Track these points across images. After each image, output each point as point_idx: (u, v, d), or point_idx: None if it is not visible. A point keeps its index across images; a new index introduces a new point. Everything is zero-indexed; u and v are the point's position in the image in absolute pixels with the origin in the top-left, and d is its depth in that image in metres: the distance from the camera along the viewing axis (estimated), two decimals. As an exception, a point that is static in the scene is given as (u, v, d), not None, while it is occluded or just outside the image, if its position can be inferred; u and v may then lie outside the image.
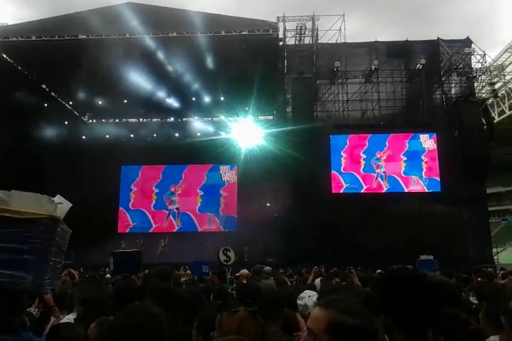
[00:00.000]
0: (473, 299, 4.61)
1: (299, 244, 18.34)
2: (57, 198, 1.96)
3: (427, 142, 21.37)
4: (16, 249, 1.66)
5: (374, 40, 22.24)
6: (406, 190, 21.15)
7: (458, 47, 21.64)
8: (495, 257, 22.57)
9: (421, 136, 21.49)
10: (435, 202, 20.62)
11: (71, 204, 2.00)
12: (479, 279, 7.17)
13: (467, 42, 21.70)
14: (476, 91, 22.44)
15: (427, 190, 21.03)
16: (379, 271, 9.54)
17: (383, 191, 21.22)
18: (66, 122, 25.86)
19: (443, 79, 22.48)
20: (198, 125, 28.09)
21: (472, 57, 21.70)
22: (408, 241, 18.30)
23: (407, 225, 19.44)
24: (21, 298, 1.87)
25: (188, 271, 10.23)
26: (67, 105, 26.40)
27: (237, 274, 8.22)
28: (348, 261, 11.34)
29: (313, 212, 19.30)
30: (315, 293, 4.41)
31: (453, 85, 22.78)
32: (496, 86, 24.44)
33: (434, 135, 21.37)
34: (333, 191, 20.93)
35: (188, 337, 2.55)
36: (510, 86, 35.46)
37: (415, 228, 19.73)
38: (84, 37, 20.48)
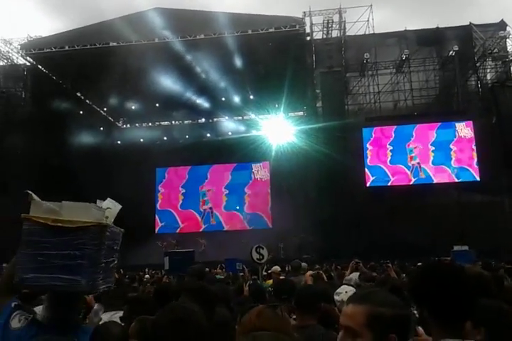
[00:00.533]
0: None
1: (333, 240, 18.27)
2: (108, 201, 2.12)
3: (463, 130, 20.85)
4: (70, 256, 1.82)
5: (403, 29, 21.85)
6: (442, 181, 20.68)
7: (492, 31, 21.07)
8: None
9: (457, 124, 20.99)
10: (474, 191, 20.07)
11: (120, 206, 2.15)
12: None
13: (502, 25, 21.05)
14: (513, 75, 21.66)
15: (463, 180, 20.49)
16: (419, 264, 9.43)
17: (416, 182, 20.84)
18: (101, 128, 26.53)
19: (477, 64, 21.86)
20: (229, 124, 28.29)
21: (508, 40, 21.04)
22: (447, 233, 17.88)
23: (446, 216, 19.03)
24: (77, 299, 2.06)
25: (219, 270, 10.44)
26: (101, 111, 27.09)
27: (270, 271, 8.34)
28: (384, 255, 11.27)
29: (347, 207, 19.20)
30: (352, 288, 4.46)
31: (488, 71, 22.11)
32: (535, 69, 23.52)
33: (471, 122, 20.80)
34: (368, 185, 20.73)
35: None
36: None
37: (454, 219, 19.26)
38: (114, 44, 20.98)
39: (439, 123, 21.17)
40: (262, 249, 7.95)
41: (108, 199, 2.14)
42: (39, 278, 1.81)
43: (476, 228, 18.29)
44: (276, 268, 8.03)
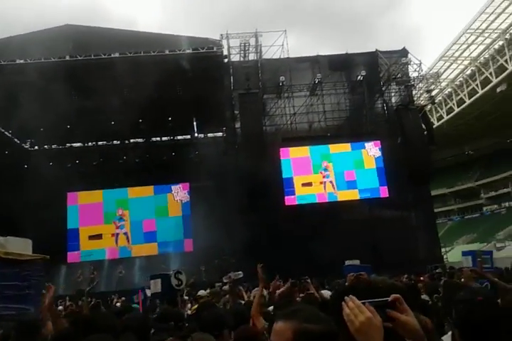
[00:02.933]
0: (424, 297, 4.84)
1: (254, 259, 18.24)
2: (11, 239, 2.25)
3: (372, 150, 22.10)
4: (19, 286, 2.00)
5: (316, 54, 22.96)
6: (354, 198, 21.66)
7: (395, 57, 22.67)
8: (444, 256, 23.46)
9: (366, 144, 22.19)
10: (384, 207, 21.29)
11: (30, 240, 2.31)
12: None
13: (404, 52, 22.81)
14: (415, 98, 23.51)
15: (376, 196, 21.61)
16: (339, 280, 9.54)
17: (333, 200, 21.64)
18: (6, 152, 24.61)
19: (383, 88, 23.45)
20: (146, 146, 27.77)
21: (409, 66, 22.79)
22: (361, 248, 18.59)
23: (360, 232, 19.89)
24: (38, 328, 2.19)
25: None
26: (6, 133, 25.29)
27: (198, 294, 8.13)
28: (305, 273, 11.40)
29: (268, 226, 19.40)
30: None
31: (393, 94, 23.78)
32: (433, 93, 25.76)
33: (379, 142, 22.12)
34: (286, 203, 21.13)
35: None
36: (446, 92, 37.55)
37: (367, 234, 20.20)
38: (21, 61, 19.86)
39: (350, 143, 22.29)
40: (181, 274, 7.72)
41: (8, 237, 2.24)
42: None
43: (387, 242, 19.30)
44: (202, 291, 7.85)
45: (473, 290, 2.99)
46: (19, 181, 22.97)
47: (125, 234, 25.06)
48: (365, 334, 1.35)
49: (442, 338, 2.67)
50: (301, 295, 5.61)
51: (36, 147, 27.92)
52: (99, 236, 24.90)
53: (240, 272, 7.75)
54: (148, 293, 8.00)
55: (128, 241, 25.00)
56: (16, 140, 26.43)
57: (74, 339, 2.89)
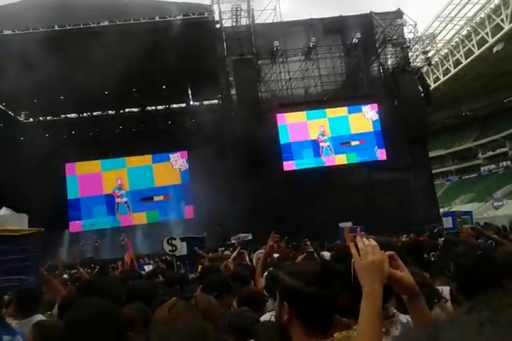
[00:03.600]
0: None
1: (255, 225, 18.58)
2: (4, 210, 2.40)
3: (369, 113, 22.03)
4: (18, 259, 2.17)
5: (309, 17, 22.46)
6: (353, 162, 21.80)
7: (390, 19, 22.21)
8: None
9: (363, 107, 22.10)
10: (383, 170, 21.46)
11: (27, 215, 2.41)
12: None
13: (399, 13, 22.35)
14: (411, 60, 23.17)
15: (375, 159, 21.74)
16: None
17: (330, 164, 21.79)
18: (1, 124, 24.45)
19: (379, 51, 23.09)
20: (142, 115, 27.62)
21: (404, 27, 22.43)
22: (360, 210, 18.89)
23: (358, 195, 20.18)
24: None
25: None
26: (0, 106, 25.05)
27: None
28: (305, 236, 11.65)
29: (267, 192, 19.63)
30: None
31: (389, 56, 23.45)
32: (429, 54, 25.43)
33: (376, 105, 22.02)
34: (285, 168, 21.27)
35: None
36: (442, 53, 37.00)
37: (366, 197, 20.50)
38: (9, 32, 19.41)
39: (347, 107, 22.19)
40: (175, 239, 7.87)
41: (3, 208, 2.41)
42: None
43: (387, 204, 19.62)
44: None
45: (473, 245, 3.11)
46: (16, 154, 22.94)
47: (126, 202, 25.32)
48: (372, 272, 1.38)
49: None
50: (302, 256, 5.80)
51: (31, 119, 27.72)
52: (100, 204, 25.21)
53: (250, 234, 7.93)
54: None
55: (129, 209, 25.30)
56: (10, 112, 26.19)
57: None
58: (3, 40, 18.99)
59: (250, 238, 8.19)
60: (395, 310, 1.59)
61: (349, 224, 10.53)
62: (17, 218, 2.29)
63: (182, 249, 7.60)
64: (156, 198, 25.41)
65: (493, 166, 45.51)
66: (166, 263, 8.80)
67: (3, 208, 2.41)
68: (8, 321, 3.30)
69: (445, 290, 2.61)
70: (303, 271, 1.55)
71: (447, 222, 7.35)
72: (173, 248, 7.62)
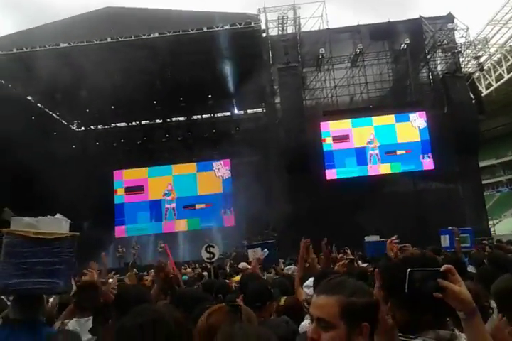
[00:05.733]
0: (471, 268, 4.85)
1: (296, 234, 18.36)
2: (58, 216, 2.45)
3: (417, 121, 21.45)
4: (50, 262, 2.18)
5: (356, 23, 22.22)
6: (399, 171, 21.25)
7: (441, 23, 21.65)
8: (491, 229, 22.81)
9: (410, 115, 21.55)
10: (430, 179, 20.80)
11: (69, 221, 2.45)
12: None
13: (449, 17, 21.72)
14: (462, 66, 22.43)
15: (421, 169, 21.12)
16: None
17: (378, 173, 21.33)
18: (55, 133, 25.55)
19: (428, 56, 22.49)
20: (188, 124, 28.19)
21: (455, 32, 21.74)
22: (406, 221, 18.38)
23: (405, 205, 19.60)
24: (41, 302, 2.37)
25: (189, 269, 10.39)
26: (54, 115, 26.22)
27: (239, 266, 8.35)
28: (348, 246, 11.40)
29: (310, 200, 19.40)
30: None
31: (439, 62, 22.79)
32: (482, 59, 24.56)
33: (424, 113, 21.43)
34: (328, 177, 20.99)
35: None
36: (495, 58, 35.62)
37: (412, 207, 19.87)
38: (65, 45, 20.36)
39: (394, 115, 21.71)
40: (213, 247, 7.88)
41: (58, 214, 2.46)
42: (23, 282, 2.12)
43: (433, 215, 18.91)
44: (244, 264, 8.05)
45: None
46: (68, 161, 23.88)
47: (173, 209, 25.82)
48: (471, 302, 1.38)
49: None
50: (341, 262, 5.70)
51: (83, 128, 28.86)
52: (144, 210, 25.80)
53: (266, 250, 7.84)
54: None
55: (175, 215, 25.76)
56: (63, 121, 27.40)
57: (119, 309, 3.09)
58: (59, 53, 19.90)
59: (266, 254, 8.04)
60: (457, 331, 1.50)
61: (376, 237, 10.12)
62: (55, 222, 2.33)
63: (256, 255, 7.64)
64: (198, 206, 25.73)
65: (546, 177, 43.13)
66: (207, 270, 8.85)
67: (57, 214, 2.45)
68: (65, 321, 3.45)
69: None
70: (362, 287, 1.50)
71: (444, 241, 6.89)
72: (211, 255, 7.66)
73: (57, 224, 2.30)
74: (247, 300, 3.11)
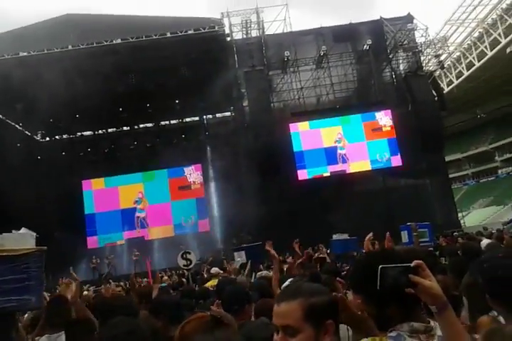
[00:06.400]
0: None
1: (271, 236, 18.37)
2: (23, 230, 2.39)
3: (383, 119, 21.87)
4: (18, 279, 2.13)
5: (319, 26, 22.52)
6: (368, 169, 21.60)
7: (401, 24, 22.14)
8: (461, 221, 23.46)
9: (376, 114, 21.96)
10: (399, 176, 21.23)
11: (34, 234, 2.40)
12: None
13: (409, 18, 22.26)
14: (423, 64, 23.03)
15: (389, 166, 21.51)
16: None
17: (347, 172, 21.61)
18: (18, 144, 24.77)
19: (390, 56, 23.00)
20: (156, 130, 27.88)
21: (415, 32, 22.31)
22: (376, 218, 18.61)
23: (376, 202, 19.91)
24: (13, 321, 2.34)
25: (165, 277, 10.25)
26: (17, 126, 25.43)
27: (211, 272, 8.29)
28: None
29: (282, 202, 19.50)
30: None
31: (401, 61, 23.36)
32: (442, 57, 25.24)
33: (389, 111, 21.87)
34: (299, 178, 21.14)
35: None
36: (454, 56, 36.71)
37: (383, 204, 20.22)
38: (25, 54, 19.85)
39: (360, 114, 22.08)
40: (189, 254, 7.80)
41: (23, 228, 2.41)
42: None
43: (403, 210, 19.25)
44: (216, 269, 8.00)
45: (493, 250, 3.00)
46: (34, 173, 23.22)
47: (143, 218, 25.43)
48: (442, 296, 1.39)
49: None
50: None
51: (47, 138, 28.14)
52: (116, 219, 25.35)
53: (239, 259, 7.92)
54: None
55: (147, 224, 25.40)
56: (26, 132, 26.62)
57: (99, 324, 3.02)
58: (19, 62, 19.39)
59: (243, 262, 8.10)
60: (433, 323, 1.53)
61: (345, 235, 10.25)
62: (20, 237, 2.28)
63: (241, 257, 7.68)
64: (171, 212, 25.44)
65: (510, 168, 44.64)
66: (184, 277, 8.74)
67: (22, 229, 2.39)
68: (35, 338, 3.34)
69: None
70: (318, 287, 1.52)
71: (404, 236, 7.08)
72: (188, 262, 7.58)
73: (23, 240, 2.26)
74: (224, 304, 3.07)
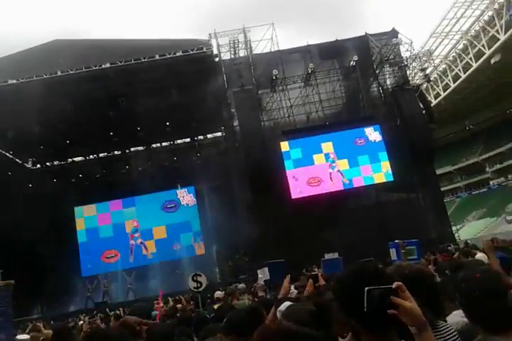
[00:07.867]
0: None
1: (266, 256, 18.16)
2: None
3: (373, 135, 21.93)
4: None
5: (306, 44, 22.74)
6: (361, 185, 21.55)
7: (386, 39, 22.42)
8: (456, 234, 23.33)
9: (365, 129, 22.00)
10: (391, 191, 21.20)
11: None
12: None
13: (394, 33, 22.53)
14: (410, 78, 23.26)
15: (381, 181, 21.47)
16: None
17: (340, 189, 21.53)
18: (9, 173, 24.55)
19: (377, 71, 23.24)
20: (147, 153, 27.82)
21: (400, 46, 22.57)
22: (371, 234, 18.52)
23: (369, 218, 19.78)
24: None
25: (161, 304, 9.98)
26: (7, 154, 25.24)
27: (216, 296, 8.11)
28: (318, 263, 11.38)
29: (276, 222, 19.36)
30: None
31: (387, 76, 23.57)
32: (428, 71, 25.59)
33: (378, 126, 21.95)
34: (293, 196, 21.02)
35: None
36: (440, 69, 37.28)
37: (377, 219, 20.07)
38: (14, 81, 19.87)
39: (350, 130, 22.11)
40: (200, 276, 7.60)
41: None
42: None
43: (397, 224, 19.14)
44: (219, 293, 7.81)
45: (472, 268, 2.92)
46: (26, 201, 22.85)
47: (141, 243, 25.10)
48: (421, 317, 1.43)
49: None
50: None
51: (38, 165, 27.95)
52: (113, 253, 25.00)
53: (261, 276, 7.96)
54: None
55: (146, 250, 25.02)
56: (17, 160, 26.42)
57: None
58: (8, 90, 19.39)
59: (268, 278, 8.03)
60: None
61: (336, 255, 10.30)
62: None
63: (265, 274, 7.61)
64: (166, 236, 25.12)
65: (502, 179, 44.75)
66: (193, 300, 8.45)
67: None
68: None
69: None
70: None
71: (393, 254, 7.07)
72: (198, 284, 7.37)
73: None
74: (226, 331, 2.97)
